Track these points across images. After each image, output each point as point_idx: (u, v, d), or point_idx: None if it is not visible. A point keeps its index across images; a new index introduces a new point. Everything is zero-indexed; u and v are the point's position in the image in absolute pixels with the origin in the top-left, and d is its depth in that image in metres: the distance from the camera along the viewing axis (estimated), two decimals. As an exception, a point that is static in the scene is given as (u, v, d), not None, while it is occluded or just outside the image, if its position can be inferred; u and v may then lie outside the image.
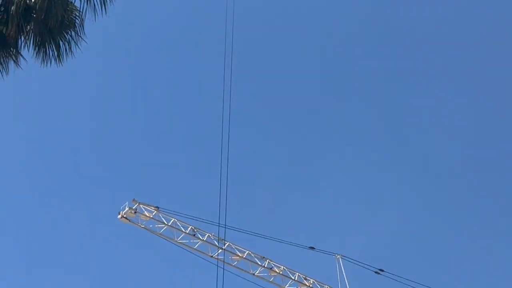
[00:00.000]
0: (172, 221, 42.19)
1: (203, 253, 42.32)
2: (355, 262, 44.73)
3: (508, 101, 75.49)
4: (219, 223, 37.84)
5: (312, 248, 44.14)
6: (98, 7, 19.02)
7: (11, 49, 18.66)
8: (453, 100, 75.57)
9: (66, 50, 19.24)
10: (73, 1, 19.13)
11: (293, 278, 43.24)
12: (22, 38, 18.78)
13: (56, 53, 19.18)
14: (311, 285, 43.32)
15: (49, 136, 76.73)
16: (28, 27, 18.63)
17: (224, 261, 40.09)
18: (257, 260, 42.93)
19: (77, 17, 19.18)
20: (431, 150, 74.87)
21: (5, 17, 18.19)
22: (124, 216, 41.66)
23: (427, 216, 72.97)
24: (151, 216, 42.04)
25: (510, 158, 75.13)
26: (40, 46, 18.97)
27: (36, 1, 18.26)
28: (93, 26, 19.45)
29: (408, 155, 75.66)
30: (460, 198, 73.33)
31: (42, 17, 18.23)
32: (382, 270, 44.78)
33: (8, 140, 72.65)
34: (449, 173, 74.15)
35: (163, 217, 42.25)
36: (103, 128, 76.94)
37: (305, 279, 43.44)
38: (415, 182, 74.60)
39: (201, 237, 42.28)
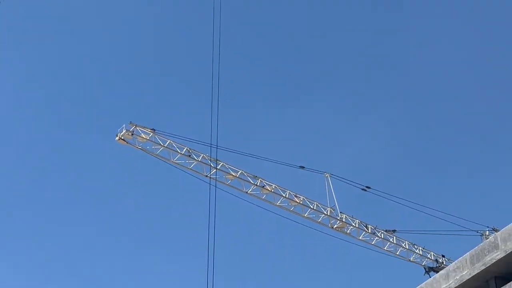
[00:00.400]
0: (168, 142, 43.65)
1: (198, 172, 43.85)
2: (343, 180, 46.18)
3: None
4: (211, 144, 39.51)
5: (302, 167, 45.49)
6: None
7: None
8: (431, 22, 76.34)
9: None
10: None
11: (284, 195, 44.73)
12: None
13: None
14: (301, 202, 44.72)
15: (47, 56, 78.06)
16: None
17: (216, 180, 41.85)
18: (249, 179, 44.44)
19: None
20: (411, 72, 76.26)
21: None
22: (122, 138, 43.07)
23: (409, 134, 74.83)
24: (148, 138, 43.44)
25: (482, 76, 76.38)
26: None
27: None
28: None
29: (389, 76, 77.06)
30: (441, 115, 74.90)
31: None
32: (369, 187, 46.09)
33: (5, 60, 74.06)
34: (429, 91, 75.61)
35: (159, 138, 43.67)
36: (100, 52, 78.10)
37: (296, 196, 44.82)
38: (398, 100, 76.25)
39: (196, 158, 43.68)
